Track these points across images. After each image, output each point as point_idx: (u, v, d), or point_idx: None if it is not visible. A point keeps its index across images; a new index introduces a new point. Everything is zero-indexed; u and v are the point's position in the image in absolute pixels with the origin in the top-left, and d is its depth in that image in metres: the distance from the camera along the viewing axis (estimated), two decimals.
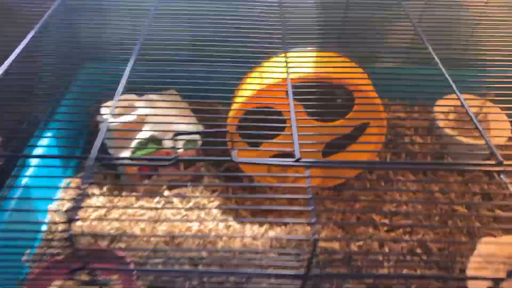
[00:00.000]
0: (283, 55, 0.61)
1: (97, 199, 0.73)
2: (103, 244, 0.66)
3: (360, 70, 0.69)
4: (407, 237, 0.70)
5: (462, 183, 0.78)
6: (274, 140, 0.71)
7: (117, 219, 0.70)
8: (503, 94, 0.55)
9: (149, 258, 0.64)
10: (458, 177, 0.80)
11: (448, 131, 0.79)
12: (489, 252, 0.66)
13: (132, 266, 0.63)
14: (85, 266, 0.40)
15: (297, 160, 0.41)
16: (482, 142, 0.81)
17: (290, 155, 0.79)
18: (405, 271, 0.64)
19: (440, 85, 0.54)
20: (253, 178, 0.78)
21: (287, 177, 0.81)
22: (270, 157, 0.77)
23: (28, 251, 0.63)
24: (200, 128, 0.78)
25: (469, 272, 0.66)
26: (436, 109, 0.82)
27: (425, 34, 0.61)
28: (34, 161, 0.69)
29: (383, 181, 0.78)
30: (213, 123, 0.62)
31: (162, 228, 0.69)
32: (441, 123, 0.80)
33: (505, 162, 0.39)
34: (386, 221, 0.72)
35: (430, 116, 0.81)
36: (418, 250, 0.68)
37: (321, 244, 0.67)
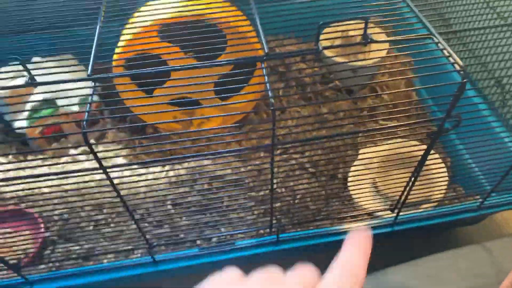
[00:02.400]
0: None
1: (4, 166, 0.76)
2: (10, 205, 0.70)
3: (233, 8, 0.72)
4: (298, 156, 0.77)
5: (350, 101, 0.85)
6: (165, 86, 0.75)
7: (24, 182, 0.74)
8: (383, 16, 0.60)
9: (56, 210, 0.69)
10: (347, 97, 0.87)
11: (330, 54, 0.85)
12: (367, 158, 0.74)
13: (40, 220, 0.67)
14: None
15: None
16: (366, 63, 0.88)
17: (185, 99, 0.83)
18: (292, 184, 0.71)
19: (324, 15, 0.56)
20: (156, 126, 0.83)
21: (192, 121, 0.86)
22: (167, 105, 0.81)
23: None
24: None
25: (350, 177, 0.74)
26: (321, 37, 0.87)
27: None
28: None
29: (278, 110, 0.83)
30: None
31: (69, 183, 0.73)
32: (326, 51, 0.85)
33: None
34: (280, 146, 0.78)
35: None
36: (307, 166, 0.75)
37: (218, 172, 0.72)
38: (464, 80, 0.33)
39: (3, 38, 0.66)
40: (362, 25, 0.37)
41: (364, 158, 0.75)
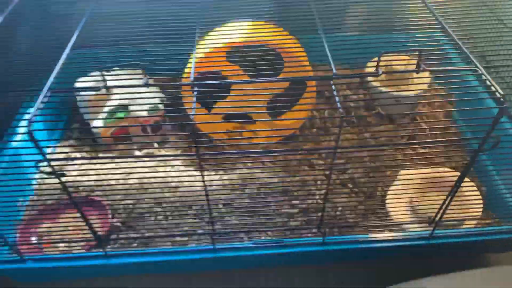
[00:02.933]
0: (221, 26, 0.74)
1: (77, 160, 0.87)
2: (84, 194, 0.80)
3: (290, 36, 0.82)
4: (339, 173, 0.83)
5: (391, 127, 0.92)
6: (224, 101, 0.84)
7: (96, 174, 0.84)
8: (425, 51, 0.67)
9: (122, 201, 0.78)
10: (389, 124, 0.93)
11: (376, 84, 0.92)
12: (406, 180, 0.80)
13: (107, 207, 0.76)
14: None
15: None
16: (407, 93, 0.94)
17: (240, 114, 0.92)
18: (333, 197, 0.78)
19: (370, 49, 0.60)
20: (211, 137, 0.92)
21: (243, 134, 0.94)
22: (223, 117, 0.90)
23: (21, 199, 0.77)
24: (161, 95, 0.91)
25: (388, 196, 0.80)
26: (367, 68, 0.95)
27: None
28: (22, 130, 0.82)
29: (322, 131, 0.91)
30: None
31: (133, 179, 0.83)
32: (370, 79, 0.93)
33: None
34: (322, 162, 0.85)
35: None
36: (348, 183, 0.81)
37: (264, 180, 0.80)
38: (504, 105, 0.39)
39: (98, 49, 0.77)
40: (405, 58, 0.45)
41: (403, 180, 0.80)
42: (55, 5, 0.80)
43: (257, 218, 0.74)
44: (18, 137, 0.81)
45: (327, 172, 0.82)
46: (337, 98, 0.42)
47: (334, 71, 0.43)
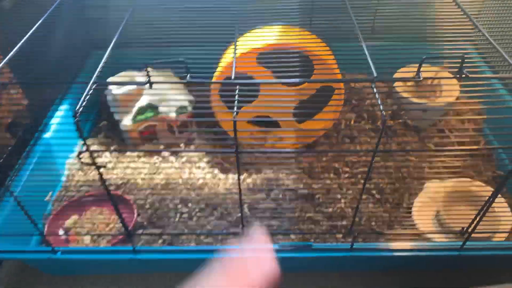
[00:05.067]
0: (251, 30, 0.75)
1: (105, 157, 0.88)
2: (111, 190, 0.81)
3: (320, 41, 0.82)
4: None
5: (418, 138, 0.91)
6: (251, 104, 0.85)
7: (124, 170, 0.85)
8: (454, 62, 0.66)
9: (148, 199, 0.79)
10: (415, 134, 0.92)
11: (405, 94, 0.92)
12: (432, 191, 0.79)
13: (134, 206, 0.77)
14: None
15: None
16: (436, 104, 0.94)
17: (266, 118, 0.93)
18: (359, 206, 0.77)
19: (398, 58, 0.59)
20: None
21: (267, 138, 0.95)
22: (248, 121, 0.91)
23: (50, 193, 0.78)
24: (190, 97, 0.92)
25: (415, 207, 0.79)
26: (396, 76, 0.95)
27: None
28: (53, 126, 0.84)
29: (347, 138, 0.91)
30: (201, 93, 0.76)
31: (159, 178, 0.84)
32: (398, 89, 0.93)
33: None
34: (347, 169, 0.84)
35: (389, 83, 0.94)
36: (373, 192, 0.81)
37: (289, 185, 0.80)
38: None
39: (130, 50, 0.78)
40: (434, 69, 0.44)
41: (430, 190, 0.80)
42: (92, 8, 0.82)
43: (282, 221, 0.74)
44: (52, 131, 0.83)
45: (353, 179, 0.82)
46: (379, 101, 0.42)
47: (375, 74, 0.43)
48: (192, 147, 0.92)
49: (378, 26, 0.87)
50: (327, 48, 0.83)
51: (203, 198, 0.79)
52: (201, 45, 0.73)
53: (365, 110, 0.94)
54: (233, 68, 0.56)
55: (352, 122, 0.93)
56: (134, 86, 0.87)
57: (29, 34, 0.54)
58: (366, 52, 0.46)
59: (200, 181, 0.83)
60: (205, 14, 0.73)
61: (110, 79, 0.84)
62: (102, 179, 0.49)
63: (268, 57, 0.82)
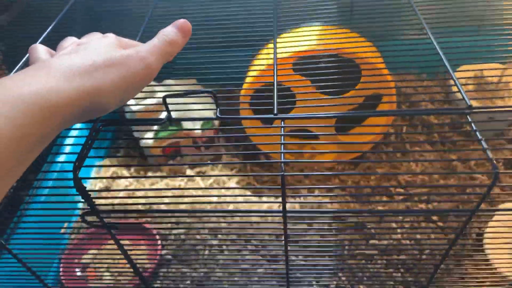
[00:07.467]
0: (285, 33, 0.63)
1: (125, 180, 0.80)
2: (131, 219, 0.72)
3: (368, 43, 0.70)
4: (423, 205, 0.70)
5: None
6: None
7: (144, 197, 0.76)
8: None
9: (173, 229, 0.70)
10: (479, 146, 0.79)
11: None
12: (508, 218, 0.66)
13: (157, 237, 0.68)
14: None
15: None
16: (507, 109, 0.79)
17: (303, 130, 0.81)
18: (418, 237, 0.65)
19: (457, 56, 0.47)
20: (269, 156, 0.81)
21: (304, 153, 0.83)
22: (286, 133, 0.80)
23: (65, 224, 0.70)
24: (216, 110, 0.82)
25: (487, 237, 0.66)
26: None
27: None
28: (67, 148, 0.76)
29: (399, 152, 0.78)
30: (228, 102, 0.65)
31: (185, 203, 0.74)
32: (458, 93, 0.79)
33: None
34: (401, 191, 0.72)
35: (446, 85, 0.80)
36: (435, 218, 0.68)
37: (334, 212, 0.69)
38: None
39: None
40: (497, 66, 0.32)
41: (504, 215, 0.66)
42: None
43: (328, 259, 0.63)
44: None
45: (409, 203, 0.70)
46: (483, 143, 0.30)
47: (468, 103, 0.31)
48: (219, 165, 0.82)
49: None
50: (374, 48, 0.70)
51: (234, 227, 0.69)
52: (227, 49, 0.63)
53: (418, 118, 0.81)
54: (275, 76, 0.48)
55: (404, 131, 0.80)
56: (153, 100, 0.78)
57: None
58: (439, 51, 0.34)
59: (231, 206, 0.73)
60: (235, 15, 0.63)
61: None
62: (115, 239, 0.40)
63: (306, 63, 0.71)
